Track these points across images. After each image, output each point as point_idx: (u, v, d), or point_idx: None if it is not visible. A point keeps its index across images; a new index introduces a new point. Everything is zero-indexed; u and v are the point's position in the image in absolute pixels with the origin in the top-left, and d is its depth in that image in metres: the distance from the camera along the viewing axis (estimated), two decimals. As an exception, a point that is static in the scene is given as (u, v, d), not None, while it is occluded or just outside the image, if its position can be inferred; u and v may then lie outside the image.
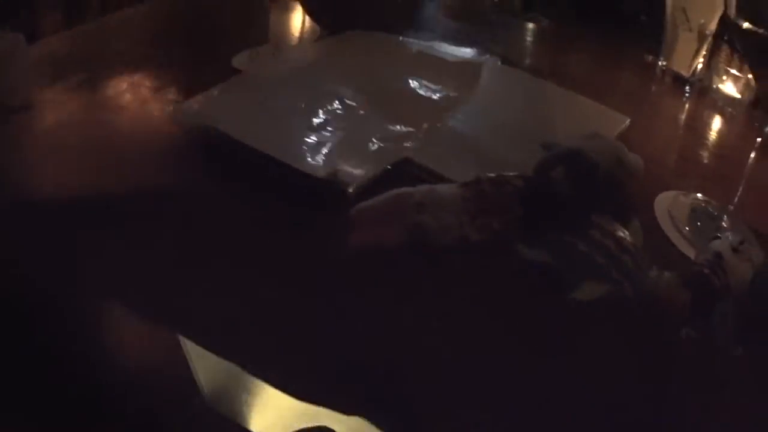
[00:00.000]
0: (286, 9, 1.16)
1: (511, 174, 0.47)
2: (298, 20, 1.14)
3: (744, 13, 0.59)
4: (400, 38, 0.86)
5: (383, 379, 0.40)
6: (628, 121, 0.77)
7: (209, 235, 0.51)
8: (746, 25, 0.58)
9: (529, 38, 1.35)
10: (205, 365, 0.43)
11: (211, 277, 0.47)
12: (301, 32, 1.08)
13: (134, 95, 0.75)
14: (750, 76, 0.97)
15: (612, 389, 0.41)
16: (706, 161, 0.83)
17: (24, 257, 0.49)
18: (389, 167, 0.56)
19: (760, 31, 0.57)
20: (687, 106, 1.05)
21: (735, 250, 0.45)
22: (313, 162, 0.54)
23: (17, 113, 0.66)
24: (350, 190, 0.51)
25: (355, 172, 0.53)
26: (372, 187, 0.52)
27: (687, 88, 1.07)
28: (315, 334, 0.42)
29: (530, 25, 1.44)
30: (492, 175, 0.47)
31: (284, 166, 0.55)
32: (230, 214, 0.54)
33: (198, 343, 0.44)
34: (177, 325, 0.46)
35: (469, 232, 0.45)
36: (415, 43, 0.83)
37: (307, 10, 1.01)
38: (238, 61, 0.82)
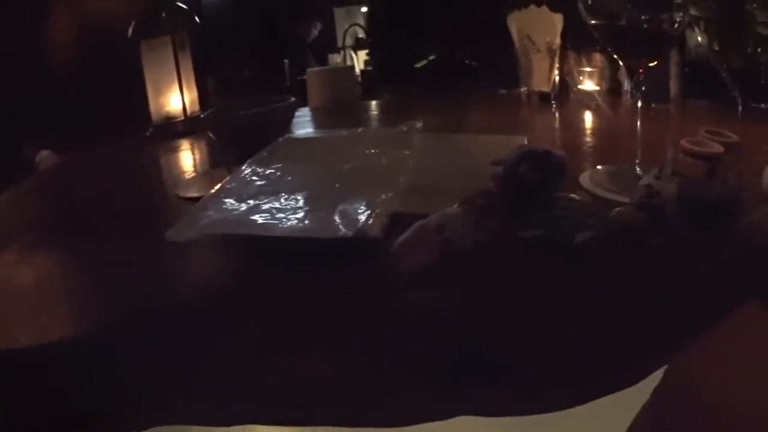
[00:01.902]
0: (173, 150, 1.32)
1: (490, 186, 0.63)
2: (188, 156, 1.30)
3: (594, 10, 0.76)
4: (322, 132, 1.01)
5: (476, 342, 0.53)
6: (526, 139, 0.96)
7: (283, 327, 0.56)
8: (599, 21, 0.76)
9: (384, 112, 1.53)
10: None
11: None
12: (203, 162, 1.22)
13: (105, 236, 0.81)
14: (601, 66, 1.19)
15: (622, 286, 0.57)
16: (594, 143, 1.02)
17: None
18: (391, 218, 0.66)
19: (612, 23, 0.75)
20: (558, 114, 1.26)
21: (657, 178, 0.62)
22: (336, 228, 0.64)
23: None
24: (380, 236, 0.62)
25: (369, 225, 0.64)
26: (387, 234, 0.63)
27: (553, 100, 1.28)
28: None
29: (374, 103, 1.64)
30: (476, 191, 0.62)
31: (301, 241, 0.64)
32: (285, 302, 0.59)
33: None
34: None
35: (479, 235, 0.60)
36: (342, 130, 0.96)
37: (220, 139, 1.14)
38: (181, 190, 0.94)
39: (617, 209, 0.61)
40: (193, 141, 1.35)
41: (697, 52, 1.35)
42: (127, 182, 1.12)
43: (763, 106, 1.29)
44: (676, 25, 0.75)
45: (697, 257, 0.59)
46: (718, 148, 0.89)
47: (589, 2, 0.76)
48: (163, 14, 1.45)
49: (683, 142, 0.90)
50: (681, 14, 0.74)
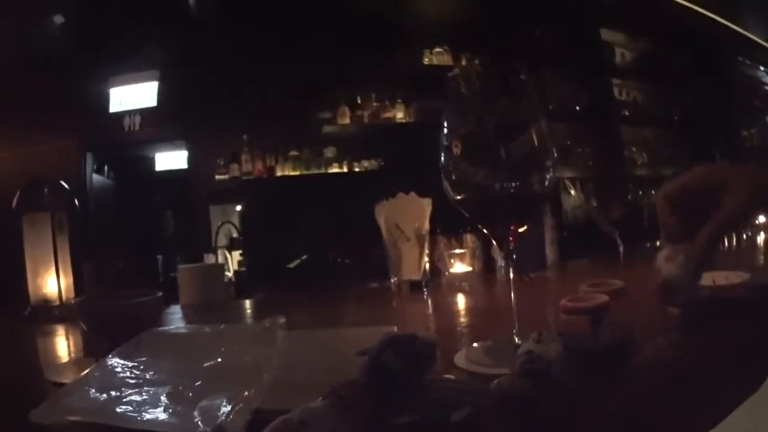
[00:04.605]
0: (49, 334, 1.27)
1: (355, 376, 0.59)
2: (63, 341, 1.24)
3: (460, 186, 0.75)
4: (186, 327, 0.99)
5: None
6: (395, 328, 0.93)
7: None
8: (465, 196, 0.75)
9: (255, 311, 1.54)
10: None
11: None
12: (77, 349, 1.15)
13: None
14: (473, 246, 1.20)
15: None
16: (469, 322, 1.02)
17: None
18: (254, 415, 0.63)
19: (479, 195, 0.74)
20: (430, 300, 1.25)
21: (538, 341, 0.60)
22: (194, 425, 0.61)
23: None
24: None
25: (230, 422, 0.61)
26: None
27: (424, 287, 1.28)
28: None
29: (248, 302, 1.68)
30: (341, 383, 0.59)
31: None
32: None
33: None
34: None
35: (345, 427, 0.55)
36: (205, 326, 0.94)
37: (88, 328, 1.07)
38: (52, 374, 0.90)
39: (496, 380, 0.59)
40: (68, 327, 1.29)
41: (574, 214, 1.40)
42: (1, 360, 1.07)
43: (648, 245, 1.33)
44: (546, 183, 0.74)
45: (595, 407, 0.58)
46: (603, 298, 0.88)
47: (454, 178, 0.75)
48: (45, 190, 1.44)
49: (563, 302, 0.89)
50: (551, 172, 0.73)
